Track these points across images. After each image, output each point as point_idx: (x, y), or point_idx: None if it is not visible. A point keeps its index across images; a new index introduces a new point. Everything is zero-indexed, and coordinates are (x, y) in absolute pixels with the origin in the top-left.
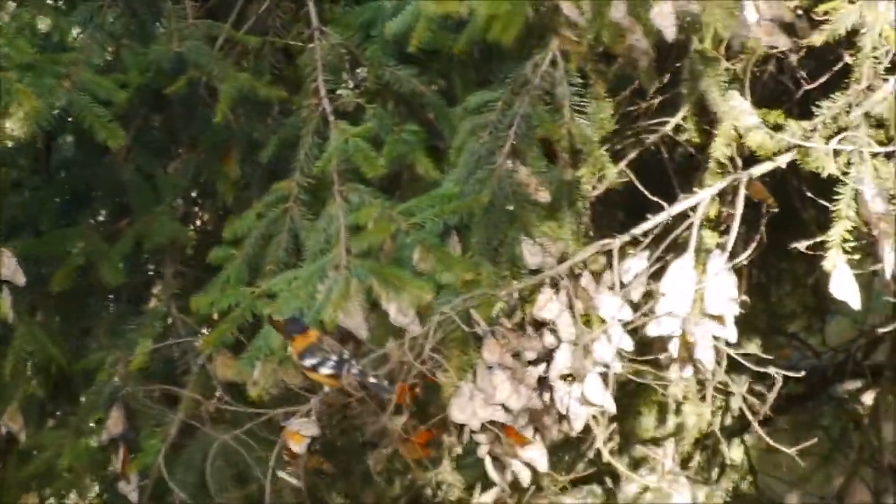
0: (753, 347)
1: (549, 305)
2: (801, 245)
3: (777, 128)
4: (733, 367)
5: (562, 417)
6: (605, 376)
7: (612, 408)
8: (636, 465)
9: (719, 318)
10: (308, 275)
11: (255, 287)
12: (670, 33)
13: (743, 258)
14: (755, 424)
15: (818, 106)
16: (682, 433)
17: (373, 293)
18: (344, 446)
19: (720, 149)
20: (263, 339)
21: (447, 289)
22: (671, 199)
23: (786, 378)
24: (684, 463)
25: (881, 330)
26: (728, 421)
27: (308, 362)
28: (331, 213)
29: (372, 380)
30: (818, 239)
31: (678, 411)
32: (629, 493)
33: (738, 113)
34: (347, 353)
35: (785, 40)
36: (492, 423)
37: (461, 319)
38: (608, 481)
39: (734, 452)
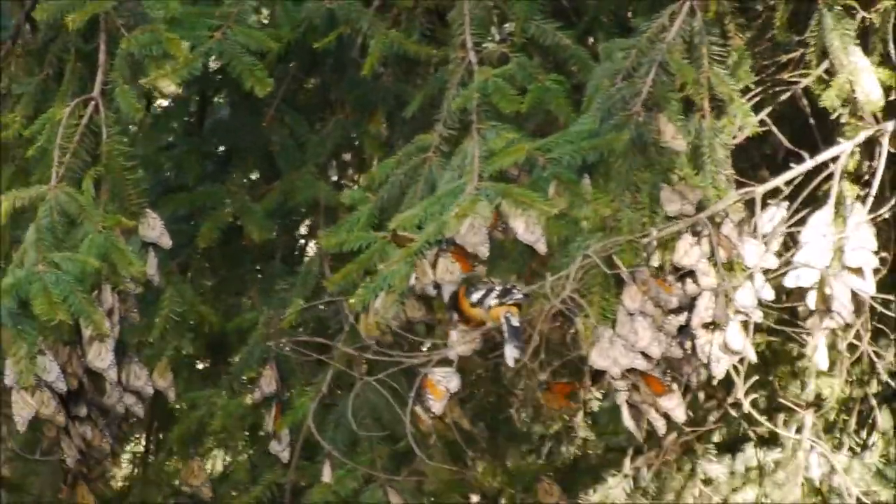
0: None
1: (689, 252)
2: None
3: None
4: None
5: (702, 366)
6: (745, 325)
7: (752, 356)
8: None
9: (858, 271)
10: (438, 197)
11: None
12: None
13: (886, 209)
14: None
15: None
16: (823, 400)
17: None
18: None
19: (831, 100)
20: (389, 272)
21: (588, 233)
22: (814, 152)
23: None
24: (829, 431)
25: None
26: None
27: (474, 297)
28: (465, 149)
29: (514, 322)
30: None
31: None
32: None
33: (854, 68)
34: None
35: None
36: (631, 370)
37: (601, 265)
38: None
39: (884, 420)
